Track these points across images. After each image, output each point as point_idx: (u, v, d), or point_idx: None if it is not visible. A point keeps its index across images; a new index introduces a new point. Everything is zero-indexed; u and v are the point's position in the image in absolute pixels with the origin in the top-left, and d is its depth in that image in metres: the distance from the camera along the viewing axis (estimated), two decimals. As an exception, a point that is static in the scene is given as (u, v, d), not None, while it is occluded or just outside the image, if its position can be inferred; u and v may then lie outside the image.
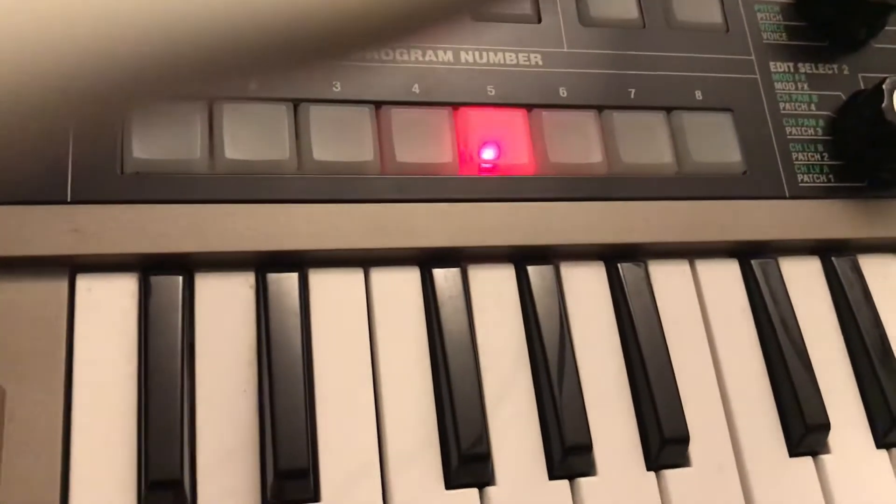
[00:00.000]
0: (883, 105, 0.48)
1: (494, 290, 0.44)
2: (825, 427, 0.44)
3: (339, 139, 0.43)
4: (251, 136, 0.42)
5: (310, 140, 0.43)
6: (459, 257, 0.44)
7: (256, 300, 0.41)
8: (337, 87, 0.44)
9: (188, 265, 0.41)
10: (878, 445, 0.46)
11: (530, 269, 0.45)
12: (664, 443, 0.42)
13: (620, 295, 0.45)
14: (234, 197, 0.41)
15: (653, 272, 0.47)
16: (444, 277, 0.43)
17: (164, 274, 0.40)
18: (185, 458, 0.37)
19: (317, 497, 0.38)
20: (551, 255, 0.46)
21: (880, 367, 0.46)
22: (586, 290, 0.46)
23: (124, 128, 0.41)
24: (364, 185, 0.43)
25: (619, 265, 0.46)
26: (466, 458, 0.40)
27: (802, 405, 0.44)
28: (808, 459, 0.45)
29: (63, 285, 0.39)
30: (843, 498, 0.44)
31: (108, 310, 0.40)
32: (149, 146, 0.41)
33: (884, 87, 0.48)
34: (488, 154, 0.45)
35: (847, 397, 0.46)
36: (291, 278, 0.41)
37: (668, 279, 0.47)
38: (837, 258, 0.49)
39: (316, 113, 0.43)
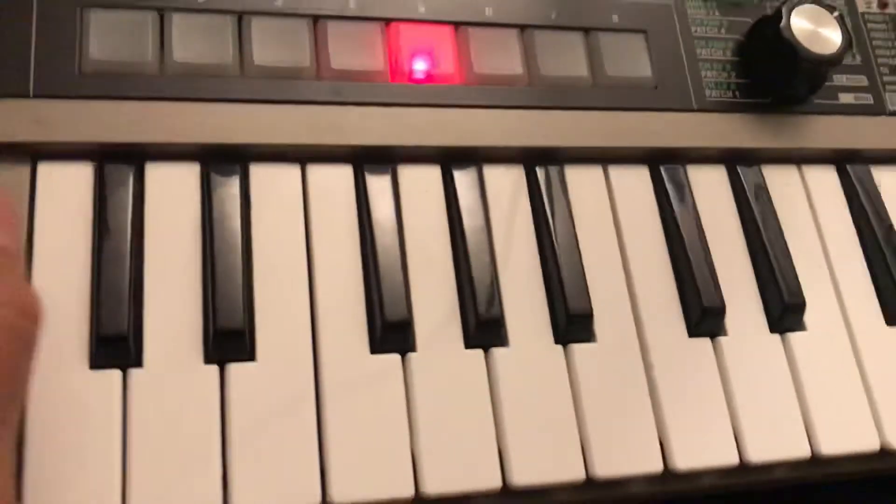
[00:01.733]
0: (781, 24, 0.52)
1: (422, 187, 0.49)
2: (721, 310, 0.49)
3: (279, 47, 0.48)
4: (198, 43, 0.47)
5: (251, 46, 0.47)
6: (390, 157, 0.49)
7: (201, 188, 0.46)
8: (278, 2, 0.49)
9: (140, 156, 0.45)
10: (772, 330, 0.50)
11: (455, 169, 0.49)
12: (569, 318, 0.46)
13: (537, 193, 0.50)
14: (181, 95, 0.46)
15: (568, 175, 0.51)
16: (375, 173, 0.48)
17: (117, 163, 0.45)
18: (131, 319, 0.42)
19: (252, 356, 0.43)
20: (475, 157, 0.50)
21: (775, 261, 0.51)
22: (507, 189, 0.50)
23: (82, 32, 0.45)
24: (301, 87, 0.48)
25: (537, 167, 0.50)
26: (389, 327, 0.44)
27: (700, 289, 0.49)
28: (706, 340, 0.49)
29: (26, 171, 0.44)
30: (737, 375, 0.48)
31: (66, 194, 0.44)
32: (105, 48, 0.46)
33: (783, 8, 0.53)
34: (418, 65, 0.50)
35: (744, 286, 0.51)
36: (233, 168, 0.46)
37: (583, 181, 0.51)
38: (742, 166, 0.54)
39: (257, 23, 0.48)
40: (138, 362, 0.42)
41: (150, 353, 0.42)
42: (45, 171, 0.44)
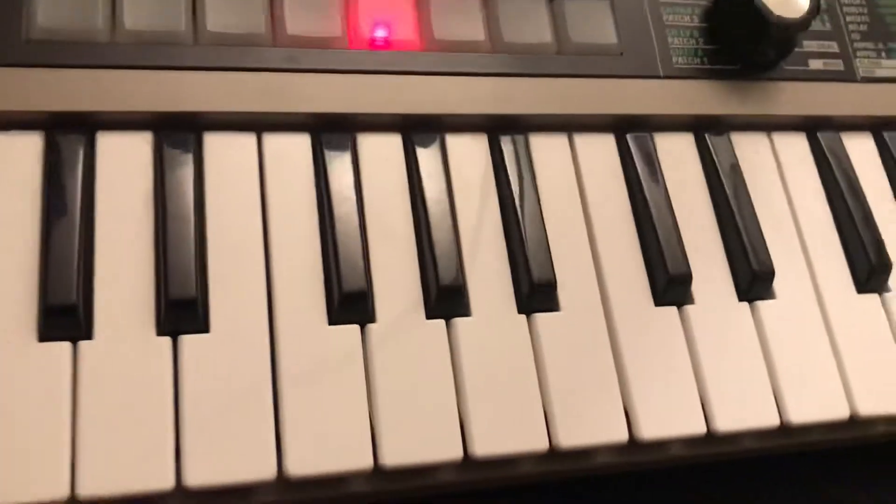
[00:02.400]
0: (748, -12, 0.51)
1: (382, 156, 0.48)
2: (687, 277, 0.48)
3: (233, 13, 0.47)
4: (149, 8, 0.46)
5: (204, 12, 0.46)
6: (349, 125, 0.48)
7: (154, 156, 0.45)
8: (233, -33, 0.48)
9: (91, 124, 0.44)
10: (741, 299, 0.50)
11: (416, 137, 0.48)
12: (533, 287, 0.46)
13: (501, 162, 0.49)
14: (132, 63, 0.45)
15: (533, 143, 0.50)
16: (334, 142, 0.47)
17: (67, 132, 0.44)
18: (80, 289, 0.40)
19: (206, 328, 0.42)
20: (437, 126, 0.49)
21: (743, 229, 0.50)
22: (469, 158, 0.49)
23: (30, -2, 0.44)
24: (256, 54, 0.47)
25: (500, 136, 0.49)
26: (347, 297, 0.43)
27: (666, 257, 0.48)
28: (673, 309, 0.48)
29: (-29, 141, 0.43)
30: (704, 344, 0.48)
31: (14, 164, 0.43)
32: (52, 14, 0.44)
33: (750, -28, 0.52)
34: (377, 31, 0.49)
35: (713, 255, 0.50)
36: (187, 137, 0.45)
37: (548, 150, 0.50)
38: (710, 134, 0.53)
39: (211, -12, 0.47)
40: (88, 334, 0.41)
41: (100, 324, 0.41)
42: (-8, 140, 0.43)
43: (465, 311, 0.45)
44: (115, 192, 0.43)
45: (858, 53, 0.56)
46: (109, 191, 0.43)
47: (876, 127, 0.56)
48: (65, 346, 0.40)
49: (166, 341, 0.41)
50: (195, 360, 0.41)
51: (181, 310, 0.41)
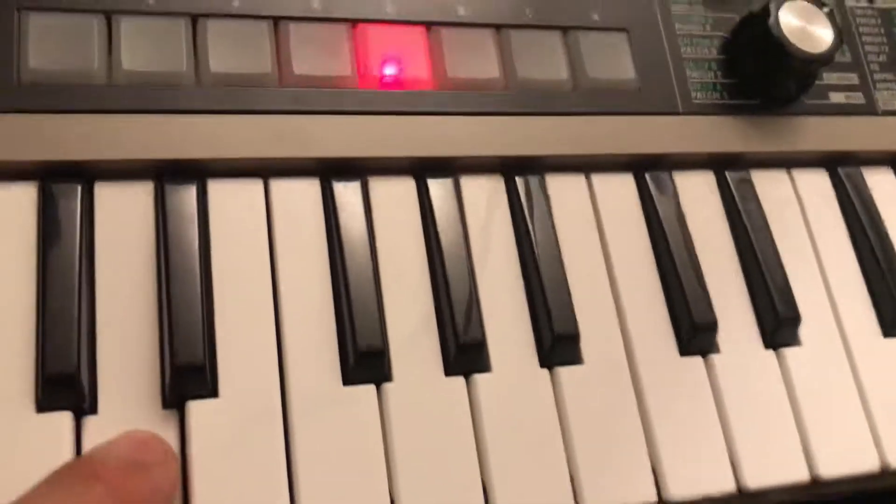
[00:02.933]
0: (769, 22, 0.49)
1: (395, 201, 0.46)
2: (712, 326, 0.46)
3: (237, 52, 0.44)
4: (149, 49, 0.43)
5: (207, 52, 0.44)
6: (360, 169, 0.45)
7: (155, 208, 0.42)
8: (235, 3, 0.45)
9: (88, 174, 0.42)
10: (766, 346, 0.48)
11: (430, 180, 0.46)
12: (555, 340, 0.44)
13: (518, 205, 0.47)
14: (131, 107, 0.42)
15: (550, 184, 0.48)
16: (344, 188, 0.45)
17: (63, 182, 0.41)
18: (82, 355, 0.38)
19: (215, 393, 0.40)
20: (451, 168, 0.47)
21: (768, 273, 0.48)
22: (485, 201, 0.47)
23: (21, 39, 0.41)
24: (262, 96, 0.44)
25: (516, 177, 0.47)
26: (363, 355, 0.41)
27: (691, 305, 0.46)
28: (698, 359, 0.46)
29: (-40, 193, 0.40)
30: (731, 395, 0.46)
31: (7, 216, 0.40)
32: (45, 56, 0.42)
33: (770, 5, 0.50)
34: (388, 69, 0.47)
35: (737, 301, 0.48)
36: (190, 186, 0.42)
37: (565, 191, 0.48)
38: (730, 172, 0.51)
39: (213, 27, 0.44)
40: (93, 408, 0.38)
41: (104, 394, 0.38)
42: (-18, 193, 0.40)
43: (484, 367, 0.43)
44: (116, 247, 0.41)
45: (878, 86, 0.55)
46: (110, 245, 0.41)
47: (897, 161, 0.55)
48: (66, 417, 0.37)
49: (173, 412, 0.39)
50: (203, 428, 0.39)
51: (188, 376, 0.39)
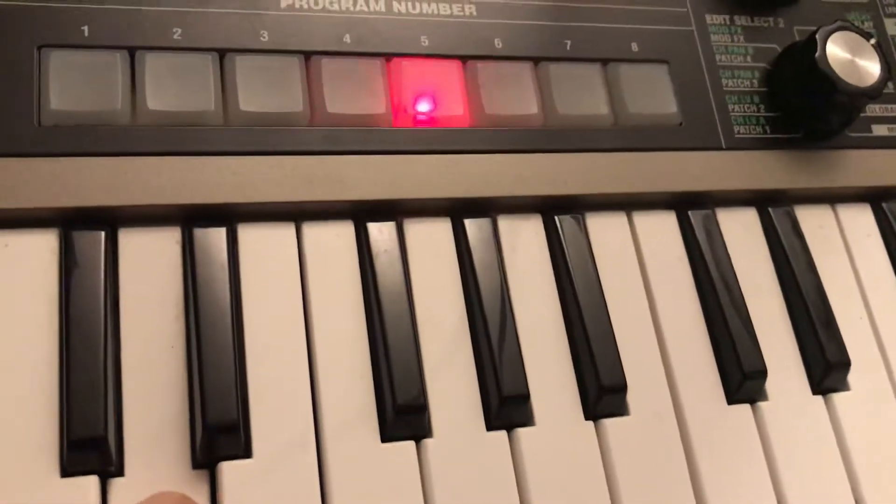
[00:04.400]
0: (816, 55, 0.48)
1: (431, 243, 0.44)
2: (762, 373, 0.44)
3: (267, 90, 0.42)
4: (174, 87, 0.41)
5: (236, 90, 0.42)
6: (395, 211, 0.43)
7: (183, 256, 0.40)
8: (265, 37, 0.43)
9: (111, 220, 0.40)
10: (815, 392, 0.46)
11: (467, 221, 0.44)
12: (601, 391, 0.42)
13: (558, 247, 0.45)
14: (157, 149, 0.40)
15: (590, 224, 0.46)
16: (379, 231, 0.43)
17: (86, 229, 0.39)
18: (108, 416, 0.36)
19: (248, 453, 0.37)
20: (488, 208, 0.45)
21: (815, 316, 0.47)
22: (524, 242, 0.45)
23: (41, 78, 0.39)
24: (293, 136, 0.42)
25: (556, 217, 0.45)
26: (402, 411, 0.39)
27: (739, 352, 0.44)
28: (747, 406, 0.45)
29: (-23, 242, 0.38)
30: (781, 444, 0.44)
31: (26, 267, 0.38)
32: (67, 97, 0.39)
33: (817, 36, 0.48)
34: (422, 106, 0.45)
35: (784, 345, 0.47)
36: (219, 232, 0.40)
37: (606, 231, 0.46)
38: (774, 209, 0.49)
39: (242, 63, 0.42)
40: (119, 469, 0.36)
41: (131, 455, 0.36)
42: (1, 241, 0.38)
43: (528, 420, 0.41)
44: (142, 298, 0.39)
45: (921, 117, 0.53)
46: (135, 296, 0.39)
47: (941, 195, 0.53)
48: (91, 481, 0.35)
49: (203, 472, 0.37)
50: (237, 490, 0.37)
51: (221, 436, 0.37)
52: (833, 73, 0.47)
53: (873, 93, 0.48)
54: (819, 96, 0.48)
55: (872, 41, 0.49)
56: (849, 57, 0.48)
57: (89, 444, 0.35)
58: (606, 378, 0.42)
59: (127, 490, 0.36)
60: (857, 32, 0.49)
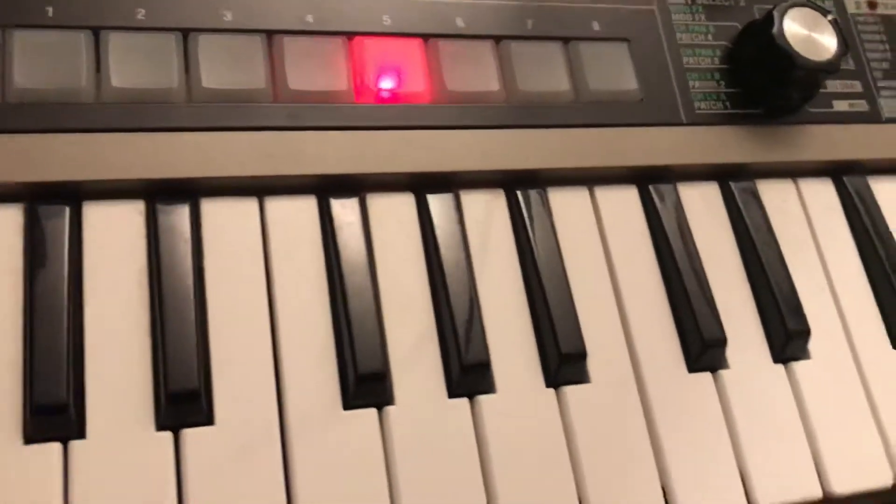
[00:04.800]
0: (774, 31, 0.49)
1: (394, 217, 0.44)
2: (721, 342, 0.45)
3: (230, 68, 0.43)
4: (138, 66, 0.42)
5: (199, 68, 0.42)
6: (358, 185, 0.44)
7: (147, 228, 0.41)
8: (228, 17, 0.44)
9: (76, 195, 0.40)
10: (776, 360, 0.47)
11: (430, 196, 0.45)
12: (562, 359, 0.42)
13: (520, 221, 0.46)
14: (121, 125, 0.41)
15: (552, 199, 0.47)
16: (342, 205, 0.43)
17: (50, 203, 0.40)
18: (70, 384, 0.36)
19: (210, 420, 0.38)
20: (451, 183, 0.46)
21: (776, 286, 0.47)
22: (487, 216, 0.46)
23: (6, 57, 0.40)
24: (256, 112, 0.43)
25: (518, 192, 0.46)
26: (364, 378, 0.40)
27: (699, 322, 0.45)
28: (707, 375, 0.45)
29: (-57, 216, 0.39)
30: (741, 411, 0.45)
31: (-8, 241, 0.39)
32: (32, 74, 0.40)
33: (774, 13, 0.49)
34: (385, 83, 0.45)
35: (745, 315, 0.47)
36: (182, 206, 0.41)
37: (568, 205, 0.47)
38: (735, 183, 0.50)
39: (205, 42, 0.43)
40: (81, 433, 0.37)
41: (93, 422, 0.37)
42: (-33, 216, 0.39)
43: (489, 388, 0.42)
44: (106, 270, 0.39)
45: (882, 93, 0.54)
46: (99, 268, 0.39)
47: (902, 169, 0.54)
48: (54, 448, 0.36)
49: (167, 437, 0.37)
50: (199, 457, 0.37)
51: (183, 403, 0.37)
52: (790, 49, 0.48)
53: (830, 67, 0.49)
54: (777, 72, 0.49)
55: (830, 17, 0.50)
56: (806, 33, 0.49)
57: (52, 410, 0.36)
58: (566, 345, 0.42)
59: (89, 452, 0.36)
60: (814, 9, 0.50)
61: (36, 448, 0.36)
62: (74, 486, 0.36)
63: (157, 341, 0.38)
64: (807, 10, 0.49)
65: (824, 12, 0.50)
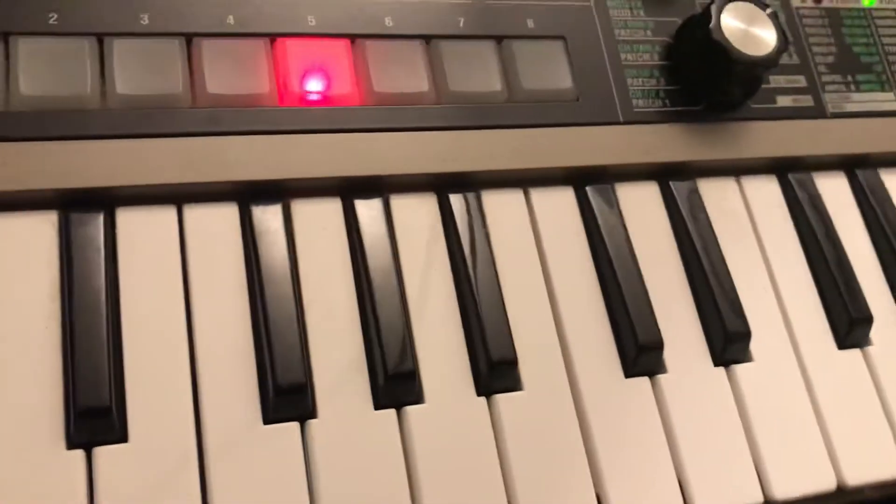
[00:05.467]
0: (710, 25, 0.48)
1: (320, 224, 0.43)
2: (658, 345, 0.44)
3: (146, 73, 0.42)
4: (50, 72, 0.41)
5: (113, 73, 0.41)
6: (282, 191, 0.43)
7: (59, 238, 0.39)
8: (144, 21, 0.43)
9: (-14, 206, 0.39)
10: (716, 363, 0.46)
11: (357, 201, 0.44)
12: (492, 366, 0.41)
13: (452, 224, 0.45)
14: (31, 134, 0.40)
15: (486, 201, 0.46)
16: (264, 212, 0.42)
17: (-43, 216, 0.38)
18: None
19: (124, 437, 0.37)
20: (380, 187, 0.44)
21: (716, 287, 0.46)
22: (417, 222, 0.45)
23: None
24: (174, 118, 0.42)
25: (450, 195, 0.45)
26: (283, 391, 0.39)
27: (635, 325, 0.44)
28: (645, 380, 0.44)
29: None
30: (680, 416, 0.44)
31: None
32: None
33: (711, 7, 0.48)
34: (310, 85, 0.44)
35: (684, 317, 0.46)
36: (96, 216, 0.40)
37: (503, 208, 0.46)
38: (675, 182, 0.49)
39: (120, 46, 0.42)
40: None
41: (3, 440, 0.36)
42: None
43: (417, 398, 0.41)
44: (15, 283, 0.38)
45: (827, 87, 0.53)
46: (8, 282, 0.38)
47: (848, 165, 0.53)
48: None
49: (78, 455, 0.36)
50: (111, 475, 0.36)
51: (93, 420, 0.36)
52: (727, 43, 0.47)
53: (768, 62, 0.48)
54: (715, 67, 0.48)
55: (768, 11, 0.49)
56: (743, 27, 0.48)
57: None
58: (496, 352, 0.41)
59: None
60: (752, 3, 0.49)
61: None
62: (-20, 508, 0.35)
63: (68, 357, 0.37)
64: (745, 3, 0.49)
65: (763, 6, 0.49)
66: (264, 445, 0.38)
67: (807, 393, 0.46)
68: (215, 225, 0.42)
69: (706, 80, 0.49)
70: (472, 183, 0.46)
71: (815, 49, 0.54)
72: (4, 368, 0.37)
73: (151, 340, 0.39)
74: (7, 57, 0.40)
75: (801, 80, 0.53)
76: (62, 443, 0.36)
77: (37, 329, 0.38)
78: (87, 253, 0.39)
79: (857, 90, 0.54)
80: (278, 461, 0.38)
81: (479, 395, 0.42)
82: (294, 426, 0.39)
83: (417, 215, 0.45)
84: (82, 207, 0.40)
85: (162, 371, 0.38)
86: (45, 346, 0.37)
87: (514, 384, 0.42)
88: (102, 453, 0.36)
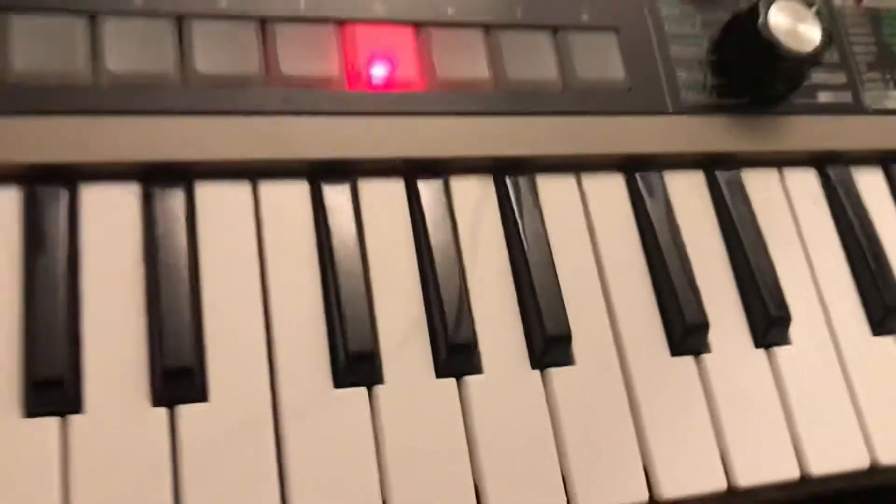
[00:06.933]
0: (759, 22, 0.49)
1: (385, 202, 0.45)
2: (704, 326, 0.46)
3: (224, 53, 0.44)
4: (134, 50, 0.43)
5: (193, 53, 0.43)
6: (349, 171, 0.45)
7: (142, 210, 0.42)
8: (222, 3, 0.45)
9: (72, 177, 0.41)
10: (757, 345, 0.48)
11: (420, 182, 0.46)
12: (546, 341, 0.43)
13: (508, 206, 0.47)
14: (117, 109, 0.42)
15: (540, 185, 0.48)
16: (333, 190, 0.44)
17: (48, 185, 0.41)
18: (68, 360, 0.37)
19: (204, 397, 0.39)
20: (441, 169, 0.47)
21: (758, 273, 0.48)
22: (475, 202, 0.47)
23: (5, 39, 0.41)
24: (249, 97, 0.44)
25: (506, 178, 0.47)
26: (354, 358, 0.41)
27: (682, 306, 0.46)
28: (690, 359, 0.46)
29: (-57, 197, 0.40)
30: (722, 394, 0.46)
31: (-9, 221, 0.40)
32: (30, 57, 0.41)
33: (759, 4, 0.50)
34: (376, 70, 0.46)
35: (728, 301, 0.48)
36: (177, 188, 0.42)
37: (555, 192, 0.48)
38: (720, 171, 0.51)
39: (200, 27, 0.44)
40: (78, 408, 0.38)
41: (90, 397, 0.38)
42: (-35, 196, 0.40)
43: (476, 369, 0.43)
44: (102, 251, 0.40)
45: (866, 85, 0.55)
46: (96, 249, 0.40)
47: (885, 160, 0.55)
48: (52, 422, 0.37)
49: (162, 412, 0.38)
50: (193, 433, 0.38)
51: (177, 379, 0.38)
52: (775, 40, 0.49)
53: (814, 58, 0.50)
54: (762, 63, 0.50)
55: (814, 8, 0.51)
56: (790, 24, 0.50)
57: (50, 385, 0.37)
58: (551, 328, 0.44)
59: (86, 427, 0.37)
60: (799, 1, 0.51)
61: (35, 422, 0.37)
62: (73, 459, 0.37)
63: (153, 319, 0.39)
64: (791, 1, 0.50)
65: (808, 4, 0.51)
66: (335, 408, 0.40)
67: (842, 376, 0.48)
68: (288, 200, 0.44)
69: (752, 75, 0.51)
70: (527, 167, 0.48)
71: (856, 48, 0.56)
72: (95, 330, 0.39)
73: (230, 307, 0.41)
74: (94, 36, 0.42)
75: (841, 77, 0.55)
76: (147, 401, 0.39)
77: (123, 294, 0.40)
78: (170, 224, 0.41)
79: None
80: (348, 423, 0.40)
81: (533, 368, 0.44)
82: (363, 391, 0.41)
83: (475, 196, 0.47)
84: (163, 180, 0.42)
85: (239, 336, 0.40)
86: (132, 309, 0.40)
87: (566, 359, 0.44)
88: (185, 411, 0.39)
